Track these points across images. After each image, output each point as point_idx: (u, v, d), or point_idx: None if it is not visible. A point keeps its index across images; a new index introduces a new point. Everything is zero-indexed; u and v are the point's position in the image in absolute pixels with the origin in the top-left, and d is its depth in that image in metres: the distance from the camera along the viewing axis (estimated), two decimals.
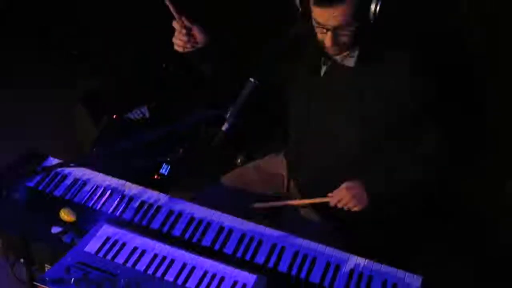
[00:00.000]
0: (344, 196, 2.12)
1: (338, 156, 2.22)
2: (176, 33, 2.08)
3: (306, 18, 1.98)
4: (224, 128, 1.95)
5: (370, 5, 1.89)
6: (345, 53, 2.03)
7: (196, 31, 2.08)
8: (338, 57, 2.06)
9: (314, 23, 1.95)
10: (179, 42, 2.09)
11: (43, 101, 3.95)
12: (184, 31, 2.06)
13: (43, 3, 4.11)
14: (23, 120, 3.77)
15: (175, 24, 2.06)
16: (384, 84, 2.04)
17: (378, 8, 1.88)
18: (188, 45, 2.09)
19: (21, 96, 4.01)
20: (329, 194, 2.17)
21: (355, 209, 2.13)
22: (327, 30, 1.91)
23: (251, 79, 1.92)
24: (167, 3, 1.96)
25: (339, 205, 2.14)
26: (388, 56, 2.03)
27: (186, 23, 2.06)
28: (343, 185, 2.14)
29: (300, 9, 1.98)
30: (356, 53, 2.03)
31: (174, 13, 2.02)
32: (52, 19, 4.15)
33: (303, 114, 2.25)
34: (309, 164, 2.32)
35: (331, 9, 1.86)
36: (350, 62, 2.06)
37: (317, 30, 1.96)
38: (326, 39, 1.94)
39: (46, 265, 1.91)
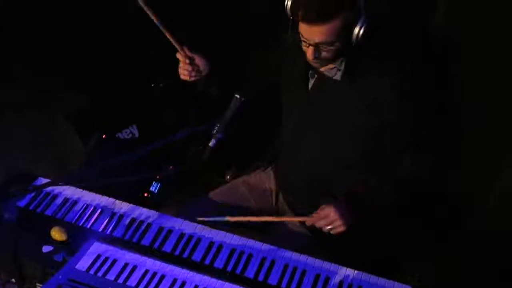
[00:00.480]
0: (330, 214, 2.04)
1: (328, 170, 2.24)
2: (180, 64, 2.16)
3: (295, 29, 2.01)
4: (211, 144, 1.98)
5: (354, 28, 1.90)
6: (331, 66, 2.06)
7: (198, 60, 2.17)
8: (324, 71, 2.09)
9: (300, 35, 1.99)
10: (184, 72, 2.17)
11: (28, 119, 3.93)
12: (187, 61, 2.14)
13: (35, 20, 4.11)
14: (8, 139, 3.74)
15: (178, 56, 2.14)
16: (370, 96, 2.05)
17: (361, 32, 1.90)
18: (193, 74, 2.17)
19: (4, 114, 3.99)
20: (314, 214, 2.09)
21: (339, 230, 2.04)
22: (310, 45, 1.95)
23: (237, 95, 1.96)
24: (168, 35, 2.03)
25: (319, 224, 2.06)
26: (374, 69, 2.04)
27: (188, 53, 2.13)
28: (329, 205, 2.05)
29: (292, 18, 2.00)
30: (342, 66, 2.06)
31: (176, 45, 2.09)
32: (44, 34, 4.14)
33: (293, 127, 2.29)
34: (299, 178, 2.34)
35: (316, 27, 1.89)
36: (337, 75, 2.09)
37: (302, 43, 2.00)
38: (308, 52, 1.98)
39: (37, 284, 1.92)
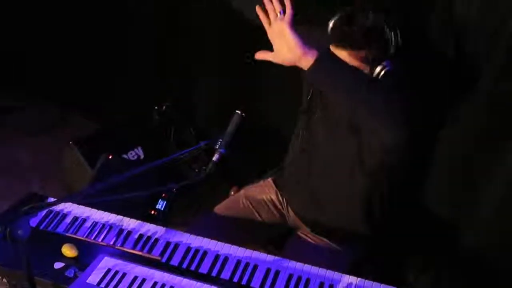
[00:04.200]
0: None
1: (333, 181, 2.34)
2: None
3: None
4: (215, 158, 2.05)
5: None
6: None
7: None
8: None
9: None
10: None
11: (34, 144, 4.02)
12: None
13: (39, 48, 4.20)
14: (15, 164, 3.82)
15: None
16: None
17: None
18: None
19: (12, 139, 4.07)
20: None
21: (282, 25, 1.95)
22: None
23: (237, 111, 2.03)
24: None
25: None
26: None
27: None
28: None
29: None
30: None
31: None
32: (41, 61, 4.22)
33: (297, 149, 2.39)
34: (300, 195, 2.44)
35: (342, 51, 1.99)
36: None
37: None
38: None
39: None
